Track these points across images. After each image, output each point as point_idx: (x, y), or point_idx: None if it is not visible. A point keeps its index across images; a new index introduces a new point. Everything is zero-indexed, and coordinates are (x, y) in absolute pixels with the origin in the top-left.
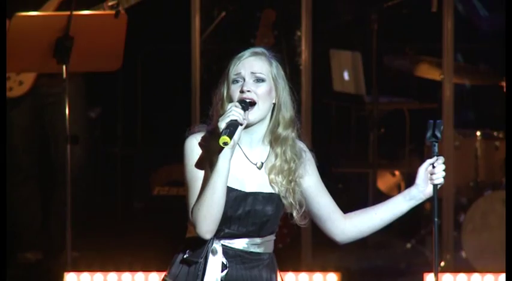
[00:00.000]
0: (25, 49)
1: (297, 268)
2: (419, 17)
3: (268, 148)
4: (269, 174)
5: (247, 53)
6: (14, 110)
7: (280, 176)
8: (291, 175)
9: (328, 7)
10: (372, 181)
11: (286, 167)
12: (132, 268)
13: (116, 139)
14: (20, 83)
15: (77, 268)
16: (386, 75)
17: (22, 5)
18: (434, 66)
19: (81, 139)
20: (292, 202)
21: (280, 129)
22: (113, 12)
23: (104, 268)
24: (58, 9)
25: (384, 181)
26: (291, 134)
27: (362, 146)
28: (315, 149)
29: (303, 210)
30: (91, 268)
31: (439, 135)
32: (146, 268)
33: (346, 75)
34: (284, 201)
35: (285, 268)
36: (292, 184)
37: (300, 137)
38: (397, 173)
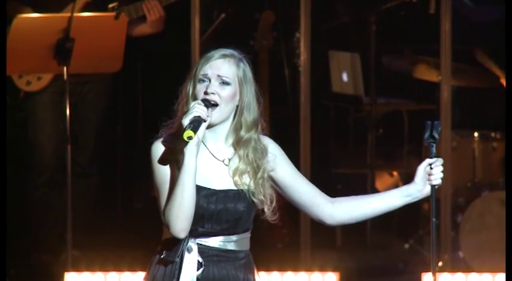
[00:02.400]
0: (26, 51)
1: (296, 268)
2: (417, 18)
3: (232, 148)
4: (233, 176)
5: (216, 54)
6: (36, 106)
7: (244, 177)
8: (257, 174)
9: (327, 9)
10: (370, 181)
11: (249, 168)
12: (132, 268)
13: (116, 139)
14: (38, 78)
15: (77, 267)
16: (384, 76)
17: (42, 6)
18: (432, 67)
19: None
20: (263, 198)
21: (242, 132)
22: (114, 14)
23: (104, 267)
24: (84, 10)
25: (382, 182)
26: (253, 135)
27: (360, 146)
28: (313, 150)
29: (273, 205)
30: (91, 267)
31: (437, 136)
32: (146, 268)
33: (344, 77)
34: (254, 199)
35: (284, 268)
36: (260, 181)
37: (263, 131)
38: (395, 173)
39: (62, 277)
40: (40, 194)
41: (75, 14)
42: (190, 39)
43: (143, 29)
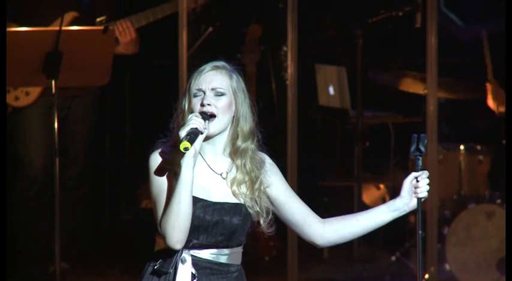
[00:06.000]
0: (15, 64)
1: (283, 280)
2: (403, 32)
3: (229, 159)
4: (231, 186)
5: (208, 67)
6: (25, 120)
7: (242, 187)
8: (254, 184)
9: (314, 22)
10: (357, 194)
11: (247, 178)
12: (120, 280)
13: (104, 152)
14: (26, 94)
15: (66, 280)
16: (371, 89)
17: (27, 22)
18: (418, 80)
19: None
20: (259, 210)
21: (239, 142)
22: (102, 27)
23: (93, 280)
24: (71, 24)
25: (369, 194)
26: (250, 145)
27: (347, 159)
28: (300, 162)
29: (269, 218)
30: (79, 280)
31: (423, 149)
32: (134, 280)
33: (331, 90)
34: (250, 210)
35: (271, 280)
36: (257, 192)
37: (261, 147)
38: (381, 186)
39: None
40: (30, 207)
41: (64, 28)
42: (178, 52)
43: (118, 50)
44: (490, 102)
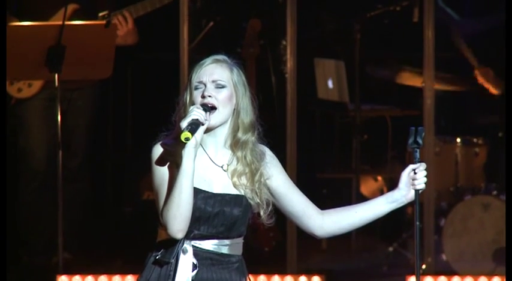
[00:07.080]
0: (18, 58)
1: (282, 271)
2: (401, 26)
3: (230, 151)
4: (232, 177)
5: (208, 60)
6: (27, 112)
7: (242, 178)
8: (254, 176)
9: (313, 17)
10: (356, 186)
11: (247, 169)
12: (122, 271)
13: (106, 145)
14: (29, 85)
15: (69, 271)
16: (369, 83)
17: (28, 16)
18: (416, 74)
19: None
20: (259, 201)
21: (239, 134)
22: (104, 22)
23: (95, 271)
24: (72, 17)
25: (367, 186)
26: (250, 138)
27: (345, 152)
28: (299, 155)
29: (269, 209)
30: (82, 271)
31: (420, 141)
32: (136, 271)
33: (330, 83)
34: (251, 201)
35: (270, 271)
36: (257, 184)
37: (261, 140)
38: (379, 178)
39: (54, 280)
40: (32, 199)
41: (66, 22)
42: (179, 47)
43: (117, 41)
44: (490, 87)
